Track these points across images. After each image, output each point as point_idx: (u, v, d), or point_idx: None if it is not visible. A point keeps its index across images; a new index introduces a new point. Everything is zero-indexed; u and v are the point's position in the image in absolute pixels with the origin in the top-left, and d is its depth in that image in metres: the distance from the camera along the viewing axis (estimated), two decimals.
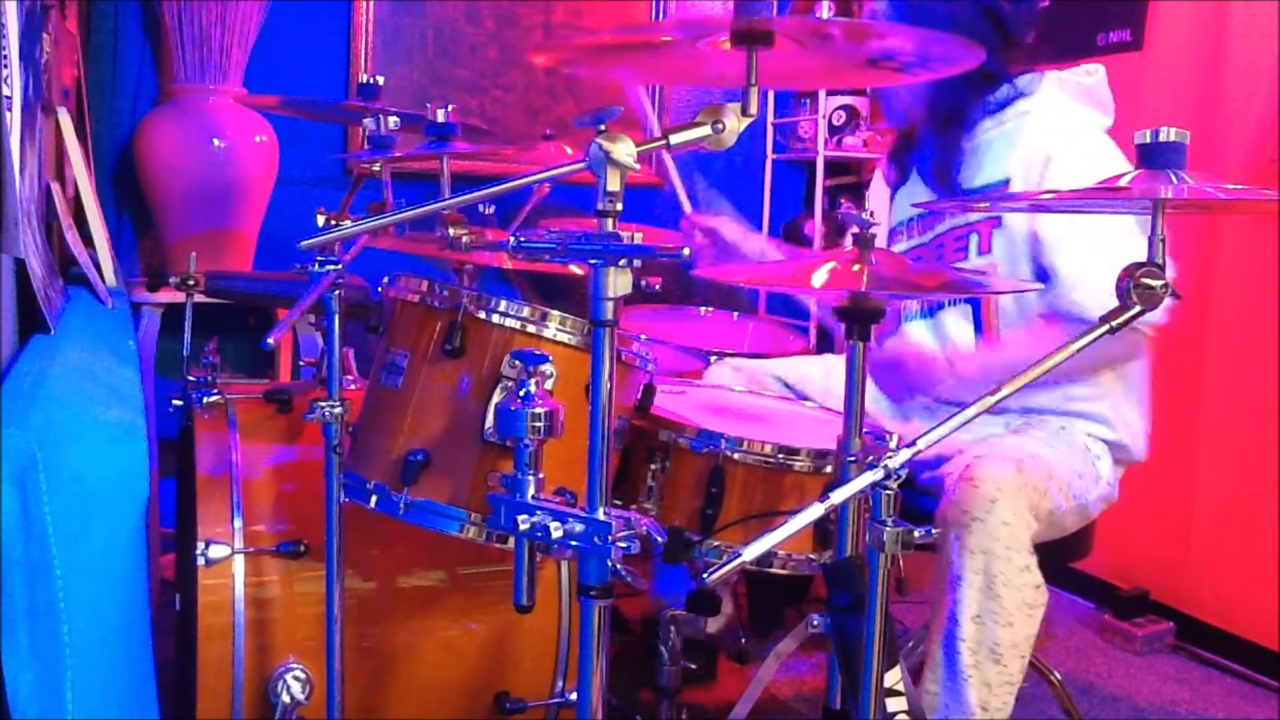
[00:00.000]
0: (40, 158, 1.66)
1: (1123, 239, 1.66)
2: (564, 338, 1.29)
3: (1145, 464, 1.92)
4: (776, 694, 2.24)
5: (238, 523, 1.50)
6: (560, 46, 1.57)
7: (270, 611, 1.49)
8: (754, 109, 1.07)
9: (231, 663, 1.46)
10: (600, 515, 1.04)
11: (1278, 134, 2.39)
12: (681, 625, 1.56)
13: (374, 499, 1.31)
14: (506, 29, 3.33)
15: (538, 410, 1.08)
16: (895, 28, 1.49)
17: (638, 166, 1.02)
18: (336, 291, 1.34)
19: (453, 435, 1.29)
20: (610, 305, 1.03)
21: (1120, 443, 1.85)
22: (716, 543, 1.44)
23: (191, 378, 1.67)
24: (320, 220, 1.52)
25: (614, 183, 1.02)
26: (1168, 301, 1.07)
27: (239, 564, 1.48)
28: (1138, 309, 1.08)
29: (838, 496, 1.05)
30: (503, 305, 1.29)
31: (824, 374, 2.06)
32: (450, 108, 1.51)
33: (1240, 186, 1.09)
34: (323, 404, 1.34)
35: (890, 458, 1.04)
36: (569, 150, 2.33)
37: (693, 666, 1.86)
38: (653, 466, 1.47)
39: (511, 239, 1.07)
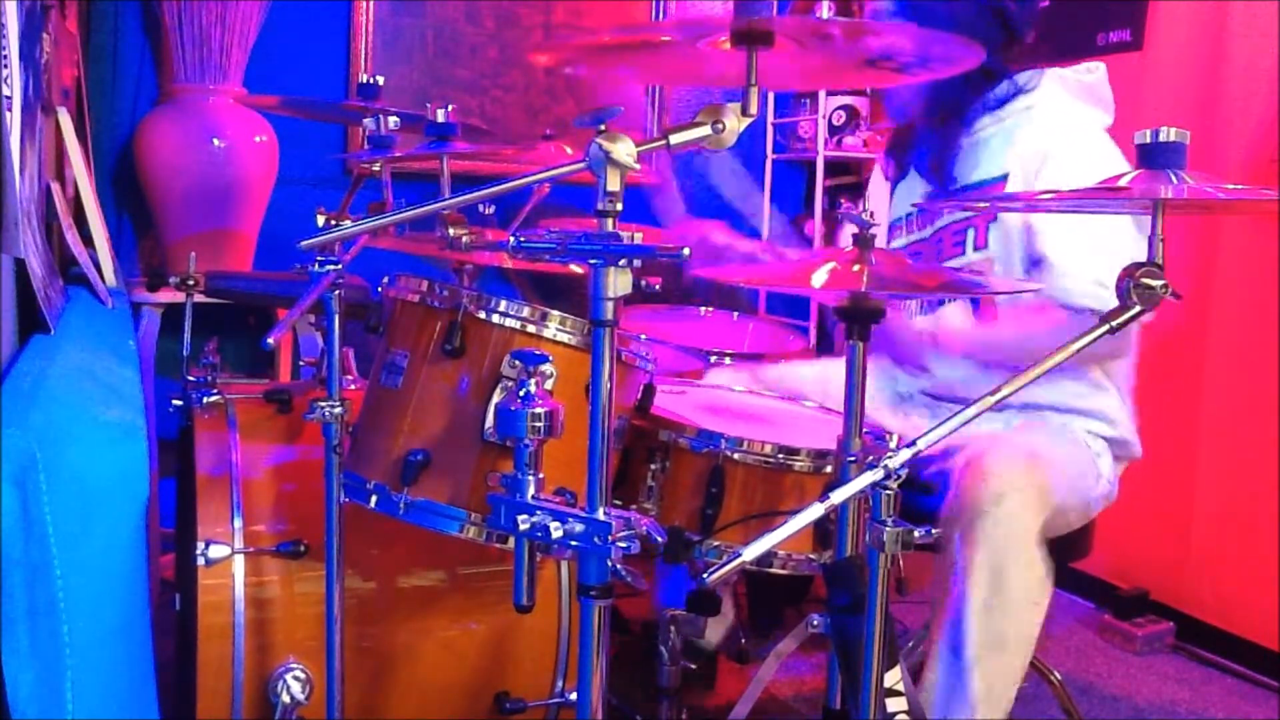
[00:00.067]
0: (40, 158, 1.66)
1: (1112, 230, 1.67)
2: (564, 338, 1.29)
3: (1145, 464, 1.92)
4: (776, 694, 2.24)
5: (238, 523, 1.50)
6: (560, 46, 1.57)
7: (270, 611, 1.49)
8: (754, 109, 1.07)
9: (231, 663, 1.46)
10: (600, 515, 1.04)
11: (1278, 134, 2.39)
12: (681, 625, 1.56)
13: (374, 499, 1.31)
14: (506, 29, 3.33)
15: (538, 410, 1.08)
16: (895, 27, 1.49)
17: (638, 166, 1.02)
18: (336, 291, 1.34)
19: (453, 435, 1.29)
20: (610, 305, 1.03)
21: (1121, 439, 1.85)
22: (716, 543, 1.44)
23: (191, 378, 1.67)
24: (320, 220, 1.53)
25: (614, 183, 1.02)
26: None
27: (239, 564, 1.48)
28: (1138, 309, 1.08)
29: (838, 496, 1.05)
30: (503, 305, 1.29)
31: (820, 381, 2.06)
32: (450, 108, 1.51)
33: (1240, 186, 1.09)
34: (323, 404, 1.34)
35: (890, 458, 1.04)
36: (569, 150, 2.33)
37: (693, 666, 1.86)
38: (653, 466, 1.47)
39: (511, 239, 1.07)
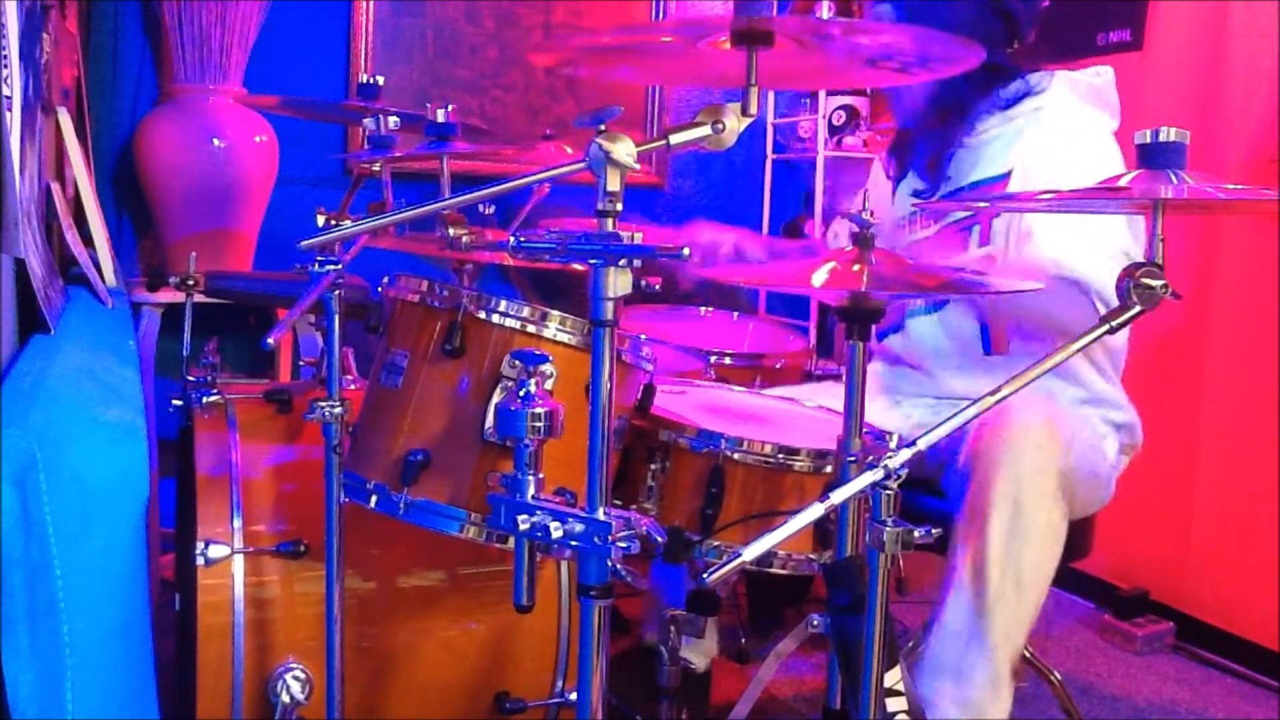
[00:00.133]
0: (40, 158, 1.66)
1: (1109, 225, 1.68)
2: (564, 338, 1.29)
3: (1145, 464, 1.92)
4: (776, 694, 2.24)
5: (237, 523, 1.50)
6: (560, 46, 1.57)
7: (270, 611, 1.49)
8: (754, 109, 1.07)
9: (231, 663, 1.46)
10: (600, 515, 1.04)
11: (1278, 134, 2.39)
12: (682, 625, 1.56)
13: (374, 499, 1.31)
14: (506, 29, 3.33)
15: (538, 410, 1.08)
16: (895, 27, 1.49)
17: (638, 166, 1.02)
18: (336, 291, 1.34)
19: (453, 435, 1.29)
20: (610, 305, 1.03)
21: (1130, 423, 1.88)
22: (716, 543, 1.44)
23: (191, 378, 1.67)
24: (320, 220, 1.53)
25: (614, 183, 1.02)
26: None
27: (239, 564, 1.48)
28: (1138, 309, 1.08)
29: (838, 496, 1.05)
30: (503, 305, 1.29)
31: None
32: (450, 108, 1.51)
33: (1240, 186, 1.09)
34: (323, 404, 1.34)
35: (890, 458, 1.04)
36: (569, 150, 2.33)
37: (693, 666, 1.86)
38: (653, 466, 1.47)
39: (511, 239, 1.07)
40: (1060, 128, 1.82)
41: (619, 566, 1.06)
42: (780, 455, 1.45)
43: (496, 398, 1.26)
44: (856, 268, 1.25)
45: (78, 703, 1.04)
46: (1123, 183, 1.08)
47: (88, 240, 2.06)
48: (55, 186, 1.89)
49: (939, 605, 1.65)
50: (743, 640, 2.41)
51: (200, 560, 1.45)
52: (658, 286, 1.60)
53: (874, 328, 1.30)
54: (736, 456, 1.44)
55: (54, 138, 2.00)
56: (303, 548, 1.48)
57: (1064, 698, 1.98)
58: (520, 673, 1.60)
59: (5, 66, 1.24)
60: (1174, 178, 1.06)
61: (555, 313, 1.30)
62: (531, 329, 1.29)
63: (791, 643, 1.34)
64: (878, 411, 1.97)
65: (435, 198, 1.22)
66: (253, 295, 2.43)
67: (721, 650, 2.26)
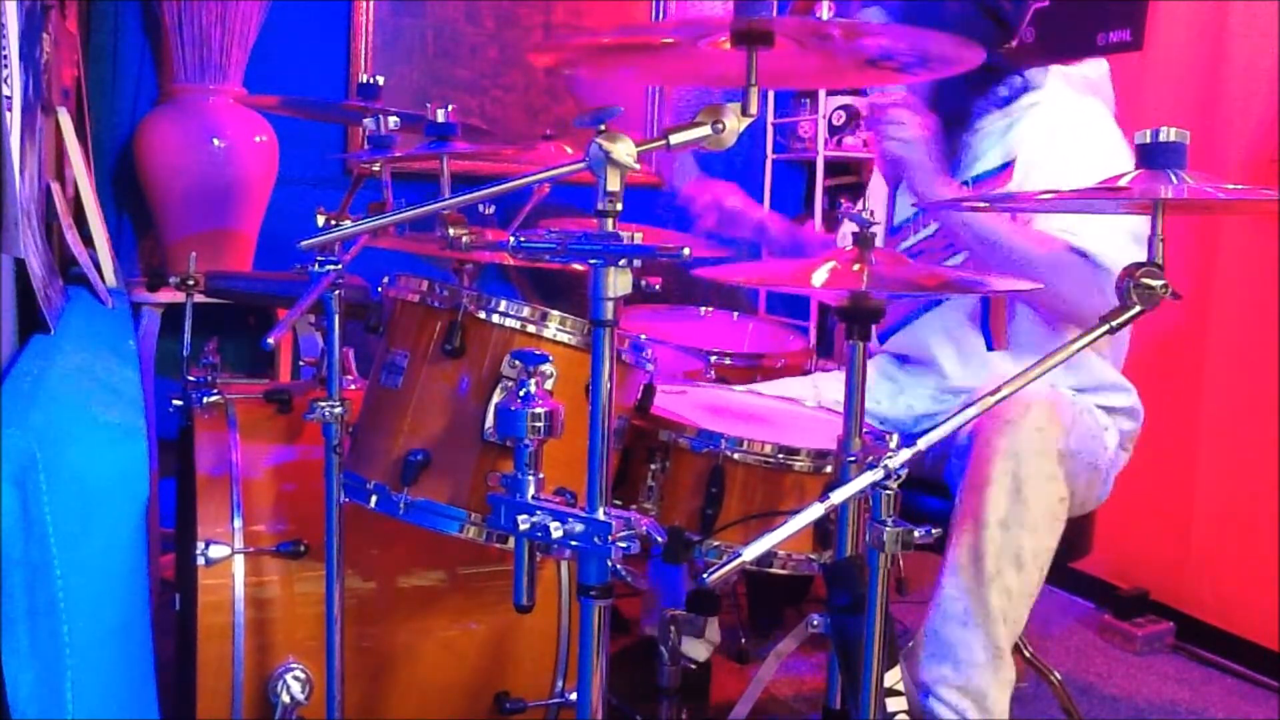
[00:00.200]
0: (40, 158, 1.66)
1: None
2: (564, 338, 1.29)
3: (1145, 464, 1.92)
4: (776, 694, 2.24)
5: (238, 523, 1.50)
6: (560, 46, 1.58)
7: (270, 611, 1.49)
8: (754, 109, 1.07)
9: (231, 663, 1.46)
10: (600, 515, 1.04)
11: (1278, 134, 2.39)
12: (682, 625, 1.56)
13: (374, 499, 1.31)
14: (506, 29, 3.33)
15: (538, 410, 1.08)
16: (895, 28, 1.49)
17: (638, 166, 1.02)
18: (336, 291, 1.34)
19: (453, 435, 1.29)
20: (610, 305, 1.03)
21: (1132, 408, 1.89)
22: (716, 543, 1.44)
23: (191, 378, 1.67)
24: (320, 220, 1.53)
25: (614, 183, 1.02)
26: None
27: (239, 564, 1.48)
28: (1138, 309, 1.08)
29: (838, 496, 1.05)
30: (503, 305, 1.29)
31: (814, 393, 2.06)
32: (450, 108, 1.51)
33: (1240, 186, 1.09)
34: (323, 404, 1.34)
35: (890, 458, 1.04)
36: (569, 150, 2.33)
37: (693, 666, 1.86)
38: (653, 466, 1.47)
39: (511, 239, 1.07)
40: (1059, 117, 1.83)
41: (619, 566, 1.06)
42: (780, 455, 1.45)
43: (496, 398, 1.26)
44: (856, 267, 1.25)
45: (78, 703, 1.04)
46: (1123, 183, 1.08)
47: (88, 240, 2.06)
48: (55, 186, 1.89)
49: (936, 588, 1.65)
50: (743, 640, 2.41)
51: (200, 560, 1.45)
52: (658, 286, 1.61)
53: (874, 329, 1.30)
54: (736, 456, 1.44)
55: (54, 138, 2.00)
56: (303, 548, 1.48)
57: (1064, 698, 1.98)
58: (520, 673, 1.60)
59: (5, 66, 1.24)
60: (1174, 178, 1.06)
61: (555, 313, 1.30)
62: (531, 329, 1.29)
63: (791, 643, 1.34)
64: (879, 398, 1.98)
65: (435, 198, 1.22)
66: (253, 295, 2.43)
67: (721, 650, 2.27)
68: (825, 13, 3.27)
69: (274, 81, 2.95)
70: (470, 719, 1.57)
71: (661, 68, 1.35)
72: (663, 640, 1.49)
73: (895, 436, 1.53)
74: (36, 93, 1.60)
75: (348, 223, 1.28)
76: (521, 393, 1.10)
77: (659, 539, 1.07)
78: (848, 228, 2.32)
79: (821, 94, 3.42)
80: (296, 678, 1.47)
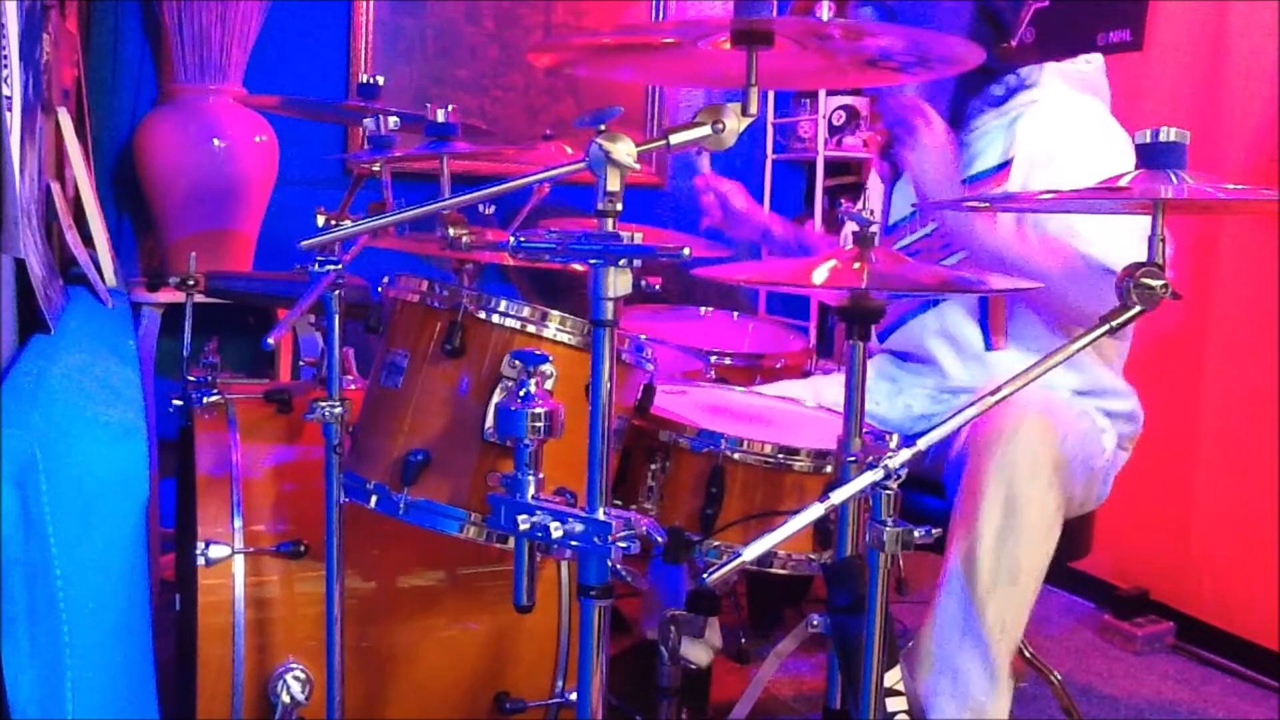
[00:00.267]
0: (40, 158, 1.66)
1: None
2: (564, 338, 1.29)
3: (1145, 464, 1.92)
4: (776, 694, 2.24)
5: (238, 523, 1.50)
6: (560, 46, 1.57)
7: (270, 611, 1.49)
8: (754, 109, 1.07)
9: (231, 663, 1.46)
10: (600, 515, 1.04)
11: (1278, 134, 2.39)
12: (682, 625, 1.56)
13: (374, 499, 1.31)
14: (506, 29, 3.33)
15: (538, 410, 1.08)
16: (895, 28, 1.49)
17: (638, 166, 1.02)
18: (336, 291, 1.34)
19: (453, 435, 1.29)
20: (610, 305, 1.03)
21: (1132, 412, 1.88)
22: (716, 543, 1.44)
23: (191, 378, 1.67)
24: (320, 220, 1.52)
25: (614, 183, 1.02)
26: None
27: (239, 564, 1.48)
28: (1138, 309, 1.08)
29: (838, 496, 1.05)
30: (503, 305, 1.29)
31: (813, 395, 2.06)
32: (450, 108, 1.51)
33: (1240, 186, 1.09)
34: (323, 404, 1.35)
35: (890, 458, 1.04)
36: (569, 150, 2.33)
37: (693, 666, 1.86)
38: (653, 466, 1.47)
39: (511, 239, 1.07)
40: (1059, 114, 1.83)
41: (619, 567, 1.06)
42: (780, 455, 1.45)
43: (496, 398, 1.26)
44: (856, 267, 1.25)
45: (78, 703, 1.04)
46: (1123, 183, 1.08)
47: (88, 240, 2.07)
48: (55, 186, 1.89)
49: (933, 599, 1.65)
50: (743, 640, 2.41)
51: (200, 560, 1.45)
52: (658, 286, 1.60)
53: (874, 328, 1.30)
54: (736, 456, 1.44)
55: (54, 138, 2.00)
56: (303, 548, 1.48)
57: (1064, 698, 1.98)
58: (520, 673, 1.60)
59: (5, 66, 1.24)
60: (1174, 178, 1.06)
61: (555, 313, 1.30)
62: (531, 329, 1.29)
63: (791, 643, 1.34)
64: (878, 399, 1.98)
65: (435, 198, 1.22)
66: (253, 295, 2.43)
67: (721, 650, 2.27)
68: (825, 13, 3.27)
69: (274, 81, 2.95)
70: (470, 719, 1.58)
71: (661, 68, 1.35)
72: (663, 640, 1.49)
73: (895, 437, 1.53)
74: (36, 93, 1.60)
75: (348, 223, 1.28)
76: (521, 393, 1.10)
77: (659, 539, 1.07)
78: (850, 229, 2.32)
79: (821, 94, 3.42)
80: (296, 678, 1.47)
